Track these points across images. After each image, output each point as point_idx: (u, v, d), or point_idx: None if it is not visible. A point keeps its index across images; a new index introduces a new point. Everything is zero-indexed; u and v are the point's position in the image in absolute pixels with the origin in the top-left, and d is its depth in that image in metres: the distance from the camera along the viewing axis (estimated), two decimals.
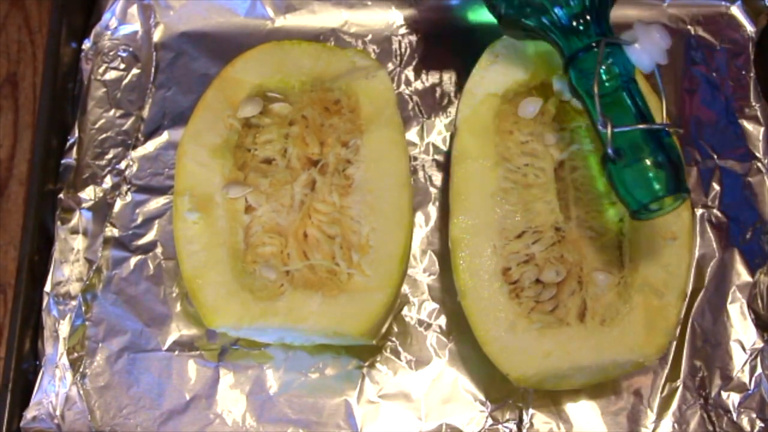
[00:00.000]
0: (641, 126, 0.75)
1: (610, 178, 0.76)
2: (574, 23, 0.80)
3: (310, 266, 0.87)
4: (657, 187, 0.73)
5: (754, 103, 1.01)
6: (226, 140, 0.90)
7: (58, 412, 0.89)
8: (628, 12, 1.06)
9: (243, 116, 0.92)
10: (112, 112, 1.01)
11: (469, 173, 0.88)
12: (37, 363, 0.91)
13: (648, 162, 0.73)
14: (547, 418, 0.89)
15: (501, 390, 0.90)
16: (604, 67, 0.78)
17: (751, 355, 0.91)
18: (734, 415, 0.89)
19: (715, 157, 0.99)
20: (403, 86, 1.02)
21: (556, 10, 0.81)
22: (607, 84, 0.78)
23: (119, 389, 0.90)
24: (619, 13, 1.05)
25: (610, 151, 0.75)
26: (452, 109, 1.01)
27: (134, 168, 0.98)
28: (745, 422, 0.89)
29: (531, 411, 0.89)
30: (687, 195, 0.75)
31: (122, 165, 0.99)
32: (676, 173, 0.74)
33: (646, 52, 0.77)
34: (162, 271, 0.94)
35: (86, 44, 1.04)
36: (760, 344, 0.91)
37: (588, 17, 0.80)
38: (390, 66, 1.03)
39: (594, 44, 0.78)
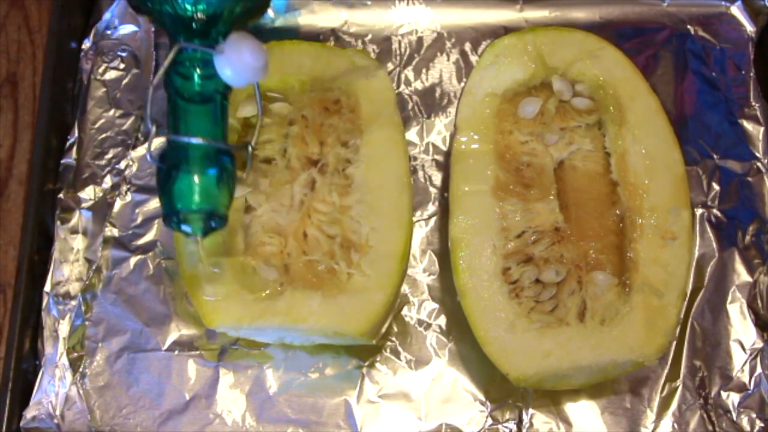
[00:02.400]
0: (195, 139, 0.75)
1: (158, 181, 0.76)
2: (182, 19, 0.77)
3: (310, 266, 0.87)
4: (189, 199, 0.74)
5: (754, 103, 1.01)
6: None
7: (57, 412, 0.89)
8: (628, 12, 1.06)
9: (243, 116, 0.92)
10: (112, 112, 1.01)
11: (469, 173, 0.88)
12: (37, 363, 0.91)
13: (187, 173, 0.75)
14: (546, 418, 0.89)
15: (501, 390, 0.90)
16: (198, 72, 0.76)
17: (750, 355, 0.91)
18: (734, 415, 0.89)
19: (715, 157, 0.99)
20: (403, 86, 1.02)
21: (176, 15, 0.78)
22: (191, 88, 0.76)
23: (119, 389, 0.90)
24: (619, 13, 1.06)
25: (148, 156, 0.76)
26: (452, 109, 1.01)
27: (134, 168, 0.99)
28: (744, 422, 0.89)
29: (531, 411, 0.89)
30: (222, 220, 0.76)
31: (122, 165, 0.99)
32: (212, 192, 0.75)
33: (234, 68, 0.74)
34: (162, 271, 0.94)
35: (86, 44, 1.04)
36: (759, 344, 0.91)
37: (201, 20, 0.77)
38: (390, 66, 1.03)
39: (178, 45, 0.76)
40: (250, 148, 0.83)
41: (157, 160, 0.76)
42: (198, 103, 0.77)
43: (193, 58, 0.77)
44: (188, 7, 0.77)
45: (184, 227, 0.76)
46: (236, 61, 0.73)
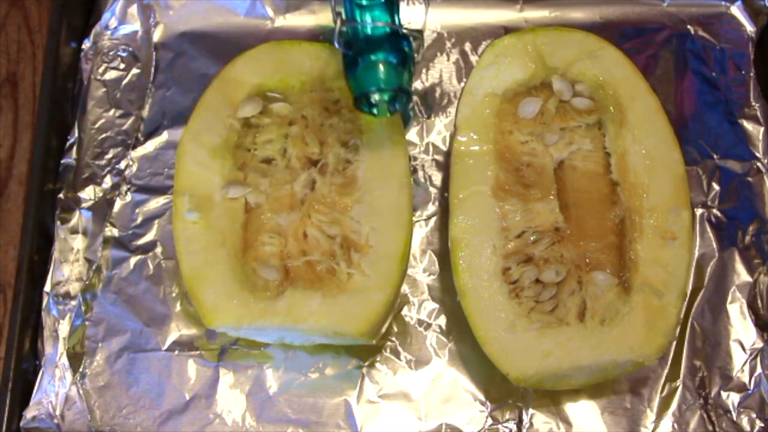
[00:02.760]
0: (374, 24, 0.86)
1: (343, 66, 0.87)
2: None
3: (310, 266, 0.87)
4: (376, 80, 0.84)
5: (754, 103, 1.01)
6: (225, 140, 0.90)
7: (58, 412, 0.89)
8: (628, 12, 1.06)
9: (243, 116, 0.92)
10: (112, 112, 1.01)
11: (469, 173, 0.88)
12: (37, 363, 0.91)
13: (372, 58, 0.85)
14: (547, 418, 0.89)
15: (501, 390, 0.90)
16: None
17: (750, 355, 0.91)
18: (734, 415, 0.89)
19: (715, 157, 0.99)
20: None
21: None
22: None
23: (119, 389, 0.90)
24: (619, 13, 1.06)
25: (336, 42, 0.86)
26: (452, 109, 1.01)
27: (134, 168, 0.99)
28: (744, 422, 0.89)
29: (531, 411, 0.89)
30: (405, 94, 0.86)
31: (122, 165, 0.99)
32: (396, 73, 0.85)
33: None
34: (162, 271, 0.94)
35: (86, 44, 1.04)
36: (760, 344, 0.91)
37: None
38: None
39: None
40: (422, 33, 0.95)
41: (344, 47, 0.87)
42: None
43: None
44: None
45: (371, 109, 0.87)
46: None
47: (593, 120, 0.92)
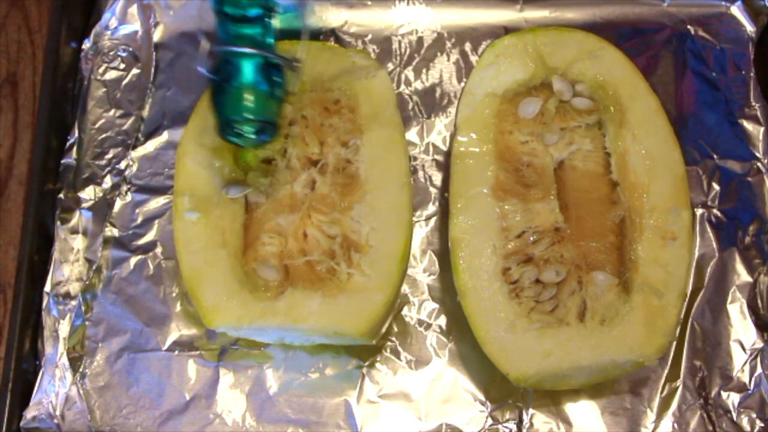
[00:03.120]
0: (244, 48, 0.80)
1: (211, 92, 0.82)
2: None
3: (310, 266, 0.87)
4: (241, 108, 0.80)
5: (754, 103, 1.01)
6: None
7: (58, 412, 0.89)
8: (628, 12, 1.06)
9: None
10: (112, 112, 1.01)
11: (469, 173, 0.88)
12: (37, 363, 0.91)
13: (238, 85, 0.80)
14: (547, 418, 0.89)
15: (501, 390, 0.90)
16: None
17: (751, 355, 0.91)
18: (734, 415, 0.89)
19: (715, 157, 0.99)
20: (403, 86, 1.02)
21: None
22: (245, 7, 0.80)
23: (119, 389, 0.90)
24: (619, 13, 1.06)
25: (199, 66, 0.81)
26: (452, 109, 1.01)
27: (134, 168, 0.98)
28: (745, 422, 0.89)
29: (531, 411, 0.89)
30: (272, 126, 0.82)
31: (122, 165, 0.99)
32: (263, 103, 0.80)
33: None
34: (162, 271, 0.94)
35: (86, 44, 1.04)
36: (760, 344, 0.91)
37: None
38: (390, 66, 1.03)
39: None
40: (298, 63, 0.86)
41: (210, 72, 0.81)
42: (246, 21, 0.81)
43: None
44: None
45: (235, 138, 0.82)
46: None
47: (593, 120, 0.92)
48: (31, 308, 0.92)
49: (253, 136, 0.83)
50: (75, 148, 0.99)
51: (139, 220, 0.96)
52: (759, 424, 0.88)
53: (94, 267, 0.94)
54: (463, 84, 1.02)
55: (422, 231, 0.96)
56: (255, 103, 0.80)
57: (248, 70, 0.81)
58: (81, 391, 0.90)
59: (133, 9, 1.05)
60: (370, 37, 1.05)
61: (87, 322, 0.92)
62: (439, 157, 1.00)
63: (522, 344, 0.82)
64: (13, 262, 0.96)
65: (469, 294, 0.84)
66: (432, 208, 0.98)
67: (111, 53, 1.04)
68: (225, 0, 0.81)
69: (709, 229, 0.96)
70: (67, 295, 0.93)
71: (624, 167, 0.89)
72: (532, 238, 0.87)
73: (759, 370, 0.90)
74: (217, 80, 0.81)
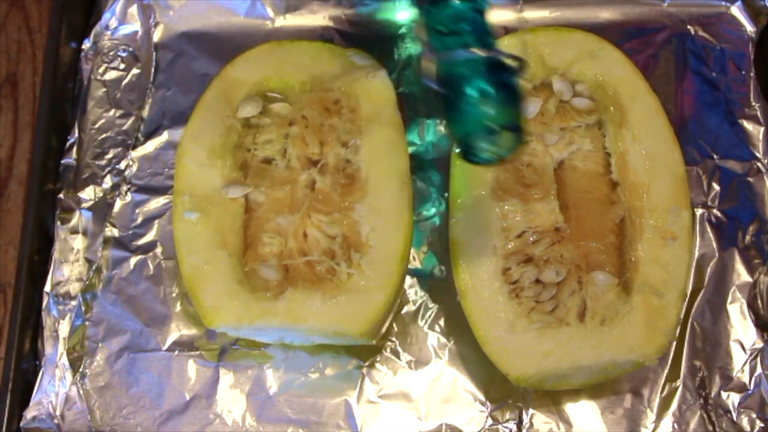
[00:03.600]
0: (467, 52, 0.70)
1: (444, 112, 0.72)
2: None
3: (310, 266, 0.87)
4: (485, 117, 0.69)
5: (754, 103, 1.01)
6: (226, 140, 0.91)
7: (58, 412, 0.89)
8: (628, 12, 1.06)
9: (243, 116, 0.92)
10: (112, 112, 1.01)
11: (469, 173, 0.88)
12: (37, 363, 0.91)
13: (476, 92, 0.69)
14: (547, 418, 0.89)
15: (501, 390, 0.90)
16: None
17: (751, 355, 0.91)
18: (734, 415, 0.89)
19: (715, 157, 0.99)
20: (403, 86, 1.02)
21: None
22: (448, 11, 0.72)
23: (119, 389, 0.90)
24: (619, 13, 1.06)
25: (428, 81, 0.71)
26: None
27: (134, 168, 0.98)
28: (745, 422, 0.89)
29: (531, 411, 0.89)
30: (519, 132, 0.69)
31: (122, 165, 0.99)
32: (510, 110, 0.69)
33: None
34: (162, 271, 0.94)
35: (86, 44, 1.04)
36: (760, 344, 0.91)
37: None
38: (390, 66, 1.03)
39: None
40: (523, 61, 0.74)
41: (437, 84, 0.71)
42: (461, 22, 0.72)
43: None
44: None
45: (485, 155, 0.71)
46: None
47: (593, 120, 0.92)
48: (31, 308, 0.92)
49: (504, 148, 0.71)
50: (75, 148, 0.99)
51: (139, 220, 0.96)
52: (759, 424, 0.88)
53: (94, 267, 0.94)
54: None
55: (422, 231, 0.96)
56: (495, 108, 0.69)
57: (478, 74, 0.70)
58: (81, 391, 0.90)
59: (133, 9, 1.05)
60: (370, 37, 1.05)
61: (87, 322, 0.92)
62: (439, 157, 0.99)
63: (522, 344, 0.82)
64: (13, 262, 0.96)
65: (469, 294, 0.84)
66: (432, 208, 0.98)
67: (111, 53, 1.04)
68: (434, 16, 0.72)
69: (709, 229, 0.96)
70: (67, 295, 0.93)
71: (624, 167, 0.89)
72: (532, 238, 0.87)
73: (759, 370, 0.90)
74: (445, 93, 0.71)
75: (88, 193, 0.97)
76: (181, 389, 0.90)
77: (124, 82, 1.03)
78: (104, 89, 1.02)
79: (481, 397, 0.90)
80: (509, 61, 0.72)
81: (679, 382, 0.90)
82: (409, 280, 0.94)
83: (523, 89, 0.72)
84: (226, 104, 0.92)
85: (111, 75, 1.03)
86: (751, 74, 1.02)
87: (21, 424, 0.88)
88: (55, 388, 0.90)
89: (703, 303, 0.93)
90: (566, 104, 0.92)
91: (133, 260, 0.95)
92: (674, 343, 0.91)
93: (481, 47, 0.71)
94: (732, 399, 0.89)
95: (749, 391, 0.90)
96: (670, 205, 0.86)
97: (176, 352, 0.91)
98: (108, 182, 0.98)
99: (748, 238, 0.95)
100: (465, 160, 0.72)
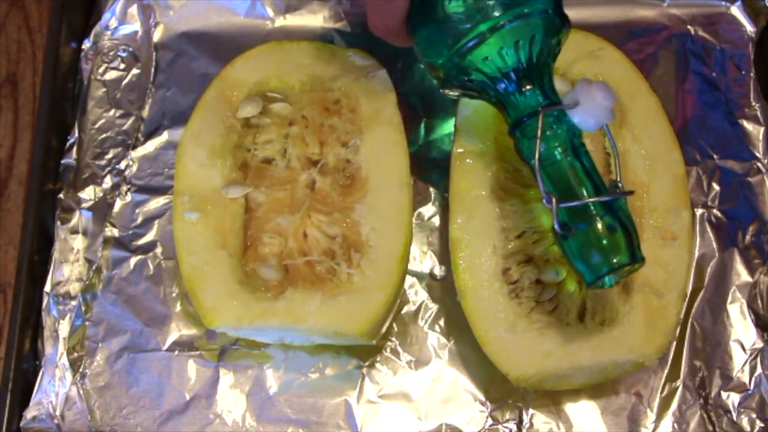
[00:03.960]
0: (587, 200, 0.73)
1: (564, 251, 0.75)
2: (515, 91, 0.77)
3: (310, 266, 0.87)
4: (609, 257, 0.72)
5: (754, 103, 1.01)
6: (226, 140, 0.91)
7: (58, 412, 0.89)
8: (628, 12, 1.06)
9: (243, 116, 0.92)
10: (112, 112, 1.01)
11: (469, 173, 0.88)
12: (37, 363, 0.91)
13: (598, 234, 0.72)
14: (547, 418, 0.89)
15: (501, 390, 0.90)
16: (549, 133, 0.75)
17: (751, 355, 0.91)
18: (734, 415, 0.89)
19: (715, 157, 0.99)
20: (403, 86, 1.02)
21: (497, 79, 0.77)
22: (554, 150, 0.75)
23: (119, 389, 0.90)
24: (619, 12, 1.06)
25: (556, 226, 0.73)
26: (452, 109, 1.01)
27: (134, 168, 0.99)
28: (745, 422, 0.89)
29: (531, 411, 0.89)
30: (641, 262, 0.73)
31: (122, 165, 0.99)
32: (629, 241, 0.73)
33: (589, 114, 0.74)
34: (162, 271, 0.94)
35: (86, 44, 1.04)
36: (760, 344, 0.91)
37: (529, 85, 0.76)
38: (390, 66, 1.03)
39: (537, 111, 0.74)
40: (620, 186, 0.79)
41: (562, 229, 0.73)
42: (567, 158, 0.75)
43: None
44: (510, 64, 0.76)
45: (614, 277, 0.75)
46: (593, 107, 0.74)
47: None
48: (31, 308, 0.92)
49: (628, 271, 0.75)
50: (75, 148, 0.99)
51: (139, 220, 0.96)
52: (759, 424, 0.88)
53: (94, 267, 0.94)
54: None
55: (422, 231, 0.96)
56: (620, 246, 0.72)
57: (597, 218, 0.73)
58: (81, 391, 0.90)
59: (133, 9, 1.05)
60: (370, 37, 1.05)
61: (87, 322, 0.92)
62: (439, 157, 1.00)
63: (522, 344, 0.82)
64: (13, 262, 0.96)
65: (469, 294, 0.84)
66: (432, 208, 0.98)
67: (111, 53, 1.04)
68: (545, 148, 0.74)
69: (709, 229, 0.96)
70: (67, 295, 0.93)
71: (624, 167, 0.89)
72: (532, 239, 0.87)
73: (759, 370, 0.90)
74: (569, 236, 0.73)
75: (88, 193, 0.97)
76: (181, 389, 0.90)
77: (124, 82, 1.03)
78: (104, 89, 1.02)
79: (481, 397, 0.90)
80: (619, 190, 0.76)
81: (679, 382, 0.90)
82: (409, 280, 0.94)
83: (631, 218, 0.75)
84: (226, 104, 0.92)
85: (111, 75, 1.03)
86: (751, 74, 1.02)
87: (21, 424, 0.88)
88: (55, 388, 0.90)
89: (703, 303, 0.93)
90: None
91: (133, 260, 0.95)
92: (674, 343, 0.91)
93: (599, 183, 0.74)
94: (732, 399, 0.89)
95: (749, 391, 0.90)
96: (670, 205, 0.87)
97: (176, 352, 0.91)
98: (108, 182, 0.98)
99: (748, 238, 0.95)
100: (589, 288, 0.77)
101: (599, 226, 0.73)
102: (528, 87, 0.76)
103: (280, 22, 1.06)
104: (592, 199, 0.73)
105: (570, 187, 0.74)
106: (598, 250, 0.72)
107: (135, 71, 1.03)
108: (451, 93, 0.83)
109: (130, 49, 1.04)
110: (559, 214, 0.73)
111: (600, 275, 0.73)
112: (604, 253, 0.72)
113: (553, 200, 0.73)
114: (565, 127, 0.76)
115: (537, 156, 0.74)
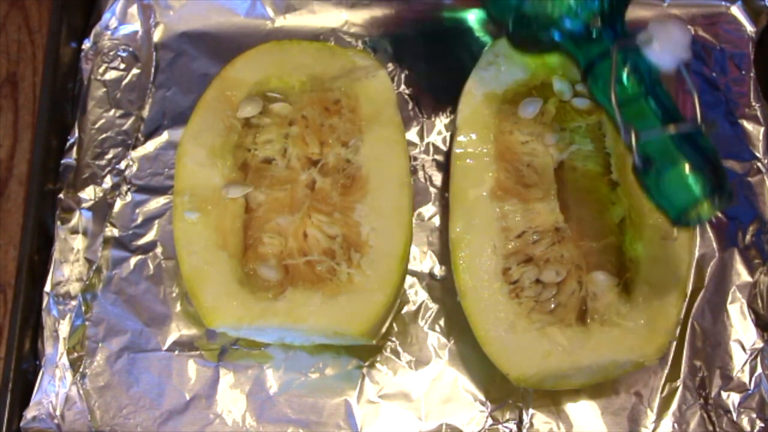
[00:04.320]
0: (667, 131, 0.70)
1: (644, 188, 0.71)
2: (586, 32, 0.75)
3: (310, 266, 0.87)
4: (693, 191, 0.68)
5: (754, 103, 1.01)
6: (226, 140, 0.91)
7: (58, 412, 0.89)
8: (628, 12, 1.05)
9: (243, 116, 0.92)
10: (112, 112, 1.01)
11: (469, 173, 0.88)
12: (37, 363, 0.91)
13: (680, 166, 0.69)
14: (547, 418, 0.89)
15: (501, 390, 0.90)
16: (625, 71, 0.73)
17: (751, 355, 0.91)
18: (734, 415, 0.89)
19: None
20: (403, 86, 1.02)
21: (566, 20, 0.76)
22: (629, 90, 0.73)
23: (119, 389, 0.90)
24: None
25: (637, 160, 0.70)
26: (452, 109, 1.01)
27: (134, 168, 0.98)
28: (745, 422, 0.89)
29: (531, 411, 0.89)
30: (729, 196, 0.69)
31: (122, 165, 0.99)
32: (714, 174, 0.69)
33: (665, 50, 0.72)
34: (162, 271, 0.94)
35: (86, 44, 1.04)
36: (760, 344, 0.91)
37: (599, 23, 0.75)
38: (390, 66, 1.03)
39: (609, 50, 0.73)
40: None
41: (643, 162, 0.70)
42: (644, 96, 0.73)
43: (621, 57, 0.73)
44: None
45: (694, 219, 0.70)
46: (669, 43, 0.72)
47: (593, 120, 0.92)
48: (31, 308, 0.92)
49: (715, 209, 0.70)
50: (75, 148, 0.99)
51: (139, 220, 0.96)
52: (759, 424, 0.88)
53: (94, 267, 0.94)
54: (463, 84, 1.02)
55: (422, 231, 0.96)
56: (701, 181, 0.68)
57: (680, 151, 0.70)
58: (81, 391, 0.90)
59: (133, 9, 1.05)
60: (370, 37, 1.05)
61: (87, 322, 0.92)
62: (439, 157, 1.00)
63: (522, 344, 0.82)
64: (13, 262, 0.96)
65: (469, 294, 0.84)
66: (432, 208, 0.98)
67: (111, 53, 1.04)
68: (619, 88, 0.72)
69: (709, 229, 0.96)
70: (67, 295, 0.93)
71: (624, 167, 0.89)
72: (532, 239, 0.87)
73: (759, 370, 0.90)
74: (651, 169, 0.70)
75: (88, 193, 0.97)
76: (181, 389, 0.90)
77: (124, 82, 1.03)
78: (104, 89, 1.02)
79: (481, 397, 0.90)
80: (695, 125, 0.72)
81: (679, 382, 0.90)
82: (409, 280, 0.94)
83: (716, 149, 0.71)
84: (226, 104, 0.92)
85: (111, 75, 1.03)
86: (751, 74, 1.02)
87: (21, 424, 0.88)
88: (55, 388, 0.90)
89: (703, 303, 0.93)
90: (566, 104, 0.92)
91: (133, 260, 0.95)
92: (674, 343, 0.91)
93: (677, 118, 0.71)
94: (732, 399, 0.89)
95: (749, 391, 0.90)
96: None
97: (176, 352, 0.91)
98: (108, 182, 0.98)
99: (748, 238, 0.95)
100: (674, 226, 0.73)
101: (679, 161, 0.69)
102: (599, 27, 0.74)
103: (280, 22, 1.06)
104: (672, 131, 0.69)
105: (648, 122, 0.71)
106: (680, 185, 0.69)
107: (135, 71, 1.03)
108: (519, 47, 0.80)
109: (130, 49, 1.04)
110: (640, 148, 0.70)
111: (683, 211, 0.69)
112: (687, 189, 0.68)
113: (633, 132, 0.70)
114: (641, 64, 0.73)
115: (613, 90, 0.71)
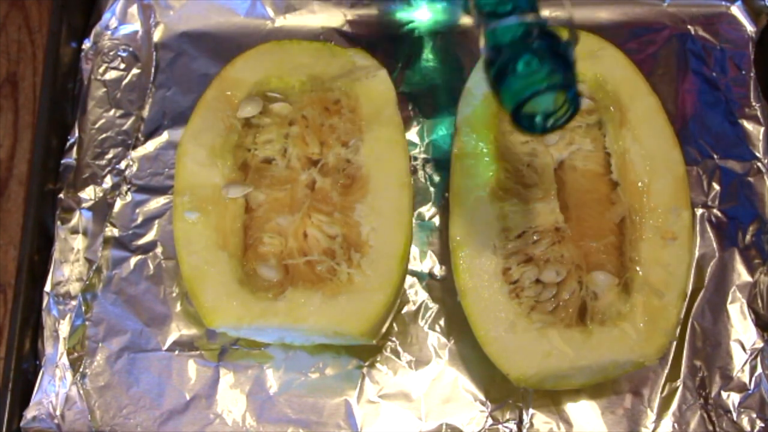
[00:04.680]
0: (518, 18, 0.67)
1: (489, 80, 0.69)
2: None
3: (310, 266, 0.87)
4: (533, 80, 0.65)
5: (754, 103, 1.01)
6: (226, 140, 0.91)
7: (58, 412, 0.89)
8: (628, 12, 1.06)
9: (243, 116, 0.92)
10: (112, 112, 1.01)
11: (469, 173, 0.88)
12: (37, 363, 0.91)
13: (525, 55, 0.66)
14: (547, 418, 0.89)
15: (501, 390, 0.90)
16: None
17: (751, 355, 0.91)
18: (734, 415, 0.89)
19: (715, 157, 0.99)
20: (403, 86, 1.02)
21: None
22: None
23: (119, 389, 0.90)
24: (619, 13, 1.06)
25: (482, 50, 0.68)
26: (452, 109, 1.01)
27: (134, 168, 0.98)
28: (745, 422, 0.89)
29: (531, 411, 0.89)
30: (574, 98, 0.67)
31: (122, 165, 0.99)
32: (558, 69, 0.66)
33: None
34: (162, 271, 0.94)
35: (86, 44, 1.04)
36: (760, 344, 0.91)
37: None
38: (390, 66, 1.03)
39: None
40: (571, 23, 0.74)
41: (490, 51, 0.68)
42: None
43: None
44: None
45: (539, 125, 0.69)
46: None
47: (594, 120, 0.92)
48: (31, 308, 0.92)
49: (560, 113, 0.69)
50: (75, 148, 0.99)
51: (139, 220, 0.96)
52: (759, 424, 0.88)
53: (94, 267, 0.94)
54: (463, 84, 1.02)
55: (422, 231, 0.96)
56: (549, 71, 0.66)
57: (530, 41, 0.67)
58: (81, 391, 0.90)
59: (133, 9, 1.05)
60: (370, 37, 1.05)
61: (87, 322, 0.92)
62: (439, 157, 1.00)
63: (522, 344, 0.82)
64: (13, 262, 0.96)
65: (469, 294, 0.84)
66: (432, 208, 0.98)
67: (111, 53, 1.04)
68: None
69: (709, 229, 0.96)
70: (67, 295, 0.93)
71: (624, 167, 0.89)
72: (532, 239, 0.87)
73: (759, 370, 0.90)
74: (498, 61, 0.67)
75: (88, 193, 0.97)
76: (181, 389, 0.90)
77: (124, 82, 1.03)
78: (104, 89, 1.02)
79: (482, 397, 0.90)
80: (561, 32, 0.69)
81: (680, 382, 0.90)
82: (409, 280, 0.94)
83: (570, 56, 0.68)
84: (226, 104, 0.92)
85: (111, 75, 1.03)
86: (751, 74, 1.02)
87: (21, 424, 0.88)
88: (55, 388, 0.90)
89: (703, 303, 0.93)
90: None
91: (133, 260, 0.95)
92: (674, 343, 0.91)
93: (531, 12, 0.69)
94: (732, 399, 0.89)
95: (749, 391, 0.90)
96: (671, 205, 0.86)
97: (176, 352, 0.91)
98: (108, 182, 0.98)
99: (748, 238, 0.95)
100: (521, 131, 0.70)
101: (527, 47, 0.67)
102: None
103: (280, 22, 1.06)
104: (517, 18, 0.67)
105: (500, 12, 0.68)
106: (523, 73, 0.66)
107: (135, 71, 1.03)
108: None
109: (130, 49, 1.04)
110: (490, 37, 0.68)
111: (523, 101, 0.66)
112: (528, 77, 0.66)
113: (482, 25, 0.69)
114: None
115: None
